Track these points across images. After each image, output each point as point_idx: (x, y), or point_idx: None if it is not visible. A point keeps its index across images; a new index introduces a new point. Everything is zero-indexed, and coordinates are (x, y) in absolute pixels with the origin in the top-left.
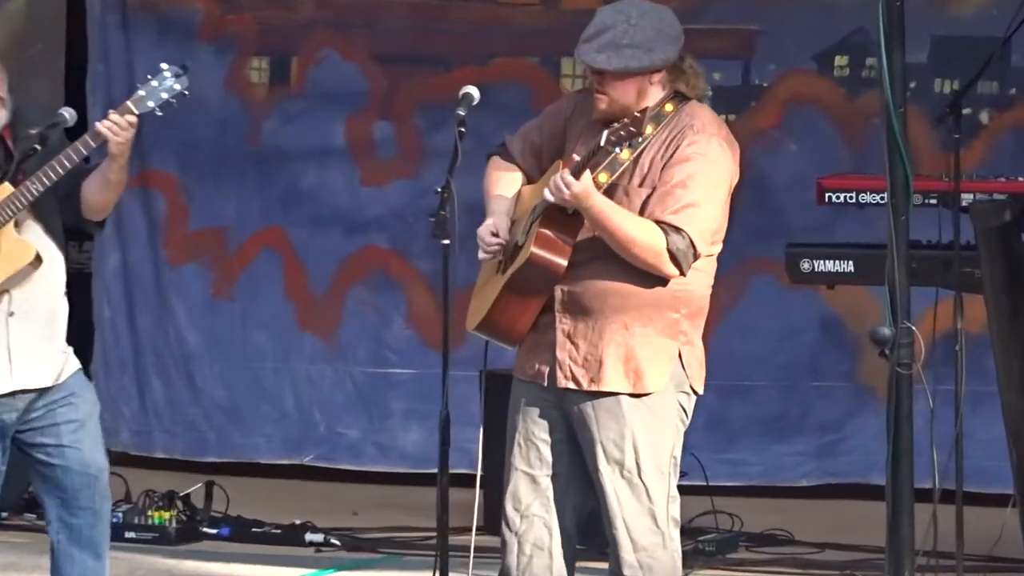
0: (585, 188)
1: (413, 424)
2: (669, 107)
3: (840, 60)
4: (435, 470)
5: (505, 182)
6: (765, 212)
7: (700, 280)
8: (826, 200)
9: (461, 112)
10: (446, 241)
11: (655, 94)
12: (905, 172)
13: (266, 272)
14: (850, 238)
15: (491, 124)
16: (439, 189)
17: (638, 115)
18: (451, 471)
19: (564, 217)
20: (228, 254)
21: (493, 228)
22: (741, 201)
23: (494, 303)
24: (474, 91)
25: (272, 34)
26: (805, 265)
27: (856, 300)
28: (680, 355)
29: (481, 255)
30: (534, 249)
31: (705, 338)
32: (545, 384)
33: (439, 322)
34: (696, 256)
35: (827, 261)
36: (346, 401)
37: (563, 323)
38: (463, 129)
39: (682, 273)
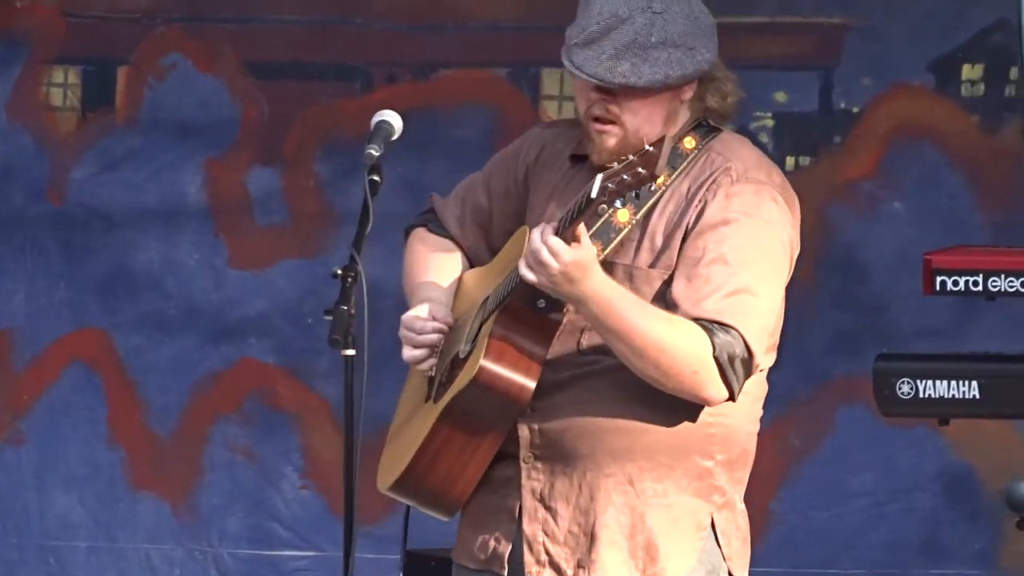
0: (584, 259)
1: None
2: (690, 142)
3: (971, 71)
4: None
5: (437, 265)
6: (857, 307)
7: (743, 410)
8: (936, 287)
9: (373, 151)
10: (350, 352)
11: (683, 117)
12: None
13: (78, 400)
14: (988, 346)
15: (437, 170)
16: (337, 271)
17: (650, 148)
18: None
19: (531, 314)
20: (13, 372)
21: (427, 313)
22: (818, 290)
23: (421, 447)
24: (393, 118)
25: (86, 32)
26: (904, 388)
27: (998, 444)
28: (713, 523)
29: (407, 354)
30: (484, 363)
31: (761, 501)
32: (505, 573)
33: None
34: (753, 369)
35: (938, 383)
36: None
37: (533, 478)
38: (376, 178)
39: (732, 397)
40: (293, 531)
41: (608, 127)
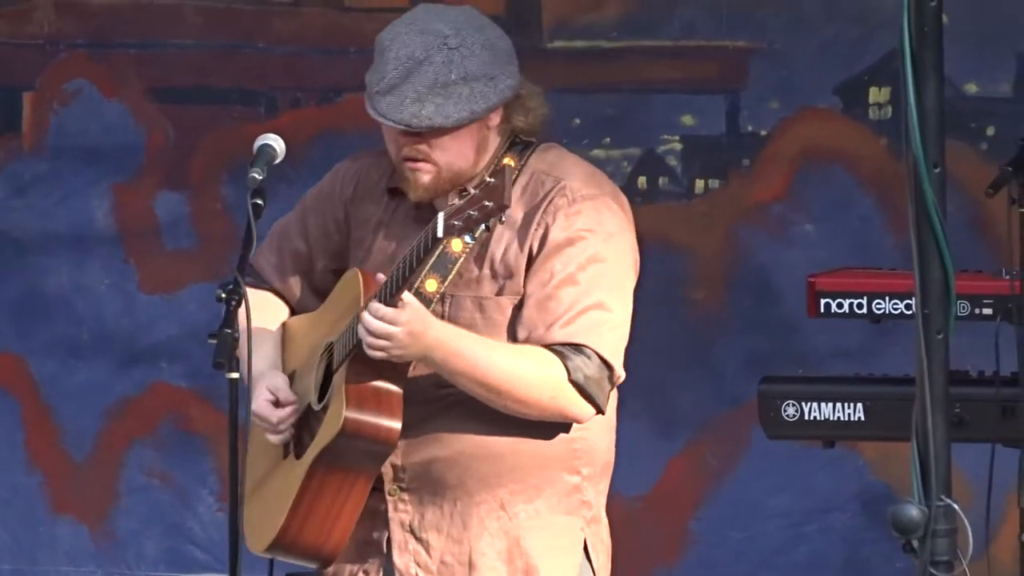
0: (418, 311)
1: None
2: (508, 160)
3: (877, 94)
4: None
5: (263, 324)
6: (769, 329)
7: (602, 422)
8: (820, 310)
9: (256, 175)
10: (234, 375)
11: (493, 143)
12: (943, 266)
13: None
14: (904, 368)
15: None
16: (221, 295)
17: (490, 180)
18: None
19: None
20: None
21: (271, 395)
22: (730, 312)
23: (294, 504)
24: (276, 142)
25: None
26: (789, 410)
27: None
28: (585, 541)
29: (274, 439)
30: (348, 413)
31: (680, 521)
32: None
33: None
34: (615, 381)
35: (823, 405)
36: None
37: (400, 510)
38: (259, 201)
39: (600, 411)
40: (210, 553)
41: (421, 164)
